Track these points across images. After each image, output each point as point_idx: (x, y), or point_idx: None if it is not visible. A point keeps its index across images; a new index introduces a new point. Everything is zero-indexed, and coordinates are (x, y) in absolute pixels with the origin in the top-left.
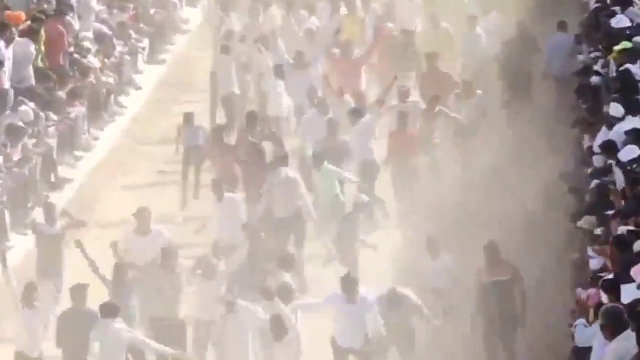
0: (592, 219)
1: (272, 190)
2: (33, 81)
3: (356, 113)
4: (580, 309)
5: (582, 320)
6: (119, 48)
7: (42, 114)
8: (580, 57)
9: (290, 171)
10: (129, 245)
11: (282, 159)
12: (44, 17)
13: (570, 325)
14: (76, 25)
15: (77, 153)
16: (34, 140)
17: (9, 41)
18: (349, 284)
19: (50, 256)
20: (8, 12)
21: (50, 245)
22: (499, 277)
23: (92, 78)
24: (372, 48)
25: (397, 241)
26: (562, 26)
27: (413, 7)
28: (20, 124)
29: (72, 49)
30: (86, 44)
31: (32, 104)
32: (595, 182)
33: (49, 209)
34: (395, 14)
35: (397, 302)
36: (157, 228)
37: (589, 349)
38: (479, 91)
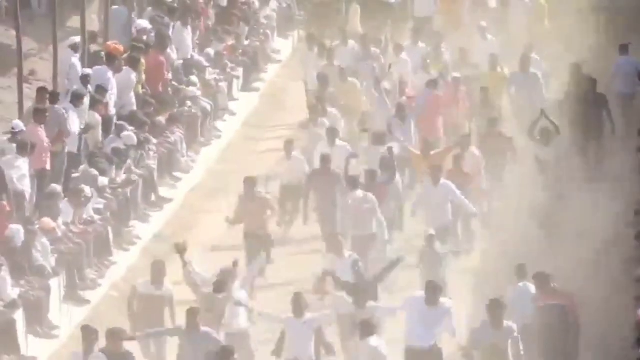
0: None
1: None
2: (134, 107)
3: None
4: None
5: None
6: (214, 76)
7: (143, 137)
8: None
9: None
10: None
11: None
12: (143, 47)
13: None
14: (174, 55)
15: (176, 174)
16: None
17: (117, 71)
18: (432, 288)
19: (150, 318)
20: (109, 43)
21: (153, 306)
22: (553, 302)
23: (189, 105)
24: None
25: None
26: (624, 49)
27: (487, 46)
28: (124, 147)
29: (170, 77)
30: (194, 78)
31: (132, 128)
32: None
33: (157, 268)
34: (469, 57)
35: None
36: None
37: None
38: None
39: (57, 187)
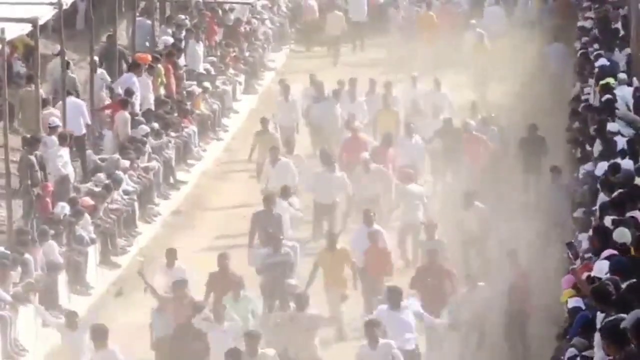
0: (582, 210)
1: None
2: (152, 107)
3: None
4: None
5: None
6: (221, 82)
7: (163, 132)
8: (574, 89)
9: None
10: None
11: None
12: (159, 56)
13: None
14: (183, 62)
15: (190, 161)
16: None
17: (140, 76)
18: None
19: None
20: (138, 54)
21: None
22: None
23: (201, 105)
24: None
25: None
26: (557, 38)
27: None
28: (143, 138)
29: (186, 82)
30: (206, 83)
31: (155, 124)
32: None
33: (69, 315)
34: (420, 107)
35: None
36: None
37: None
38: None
39: (120, 173)
